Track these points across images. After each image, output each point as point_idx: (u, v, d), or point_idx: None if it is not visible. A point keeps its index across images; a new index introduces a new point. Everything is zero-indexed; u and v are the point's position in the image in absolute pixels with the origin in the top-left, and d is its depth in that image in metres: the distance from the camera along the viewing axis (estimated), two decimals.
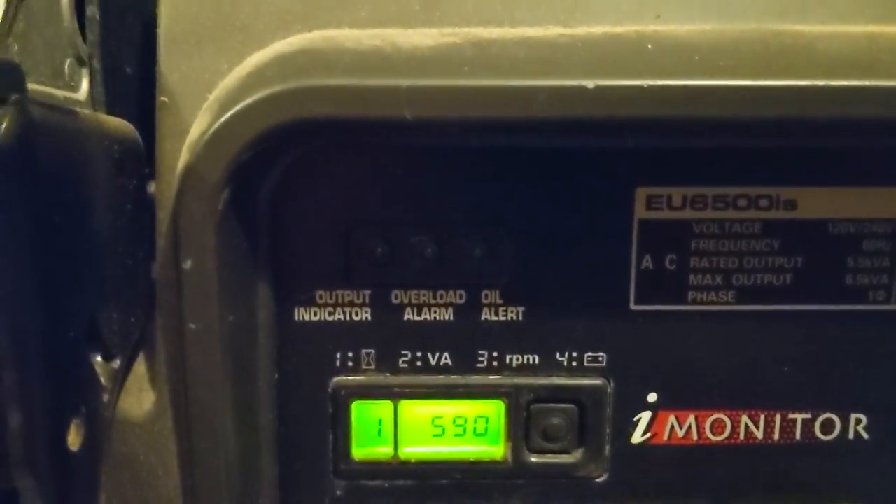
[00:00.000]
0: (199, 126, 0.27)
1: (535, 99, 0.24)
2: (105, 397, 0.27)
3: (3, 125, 0.21)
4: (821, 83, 0.25)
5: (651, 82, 0.25)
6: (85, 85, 0.32)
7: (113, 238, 0.28)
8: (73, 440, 0.25)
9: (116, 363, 0.28)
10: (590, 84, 0.25)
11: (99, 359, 0.27)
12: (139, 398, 0.30)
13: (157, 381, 0.30)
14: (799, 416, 0.33)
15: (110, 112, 0.32)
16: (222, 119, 0.25)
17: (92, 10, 0.32)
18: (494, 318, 0.32)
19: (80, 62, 0.32)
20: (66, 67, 0.31)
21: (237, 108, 0.25)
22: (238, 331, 0.29)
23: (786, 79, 0.25)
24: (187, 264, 0.26)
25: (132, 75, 0.34)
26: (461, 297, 0.32)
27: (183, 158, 0.27)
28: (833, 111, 0.26)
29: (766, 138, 0.28)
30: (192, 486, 0.29)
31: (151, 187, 0.31)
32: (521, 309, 0.32)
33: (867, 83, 0.26)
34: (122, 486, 0.29)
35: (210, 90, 0.29)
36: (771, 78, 0.25)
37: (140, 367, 0.31)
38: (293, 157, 0.29)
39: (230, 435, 0.29)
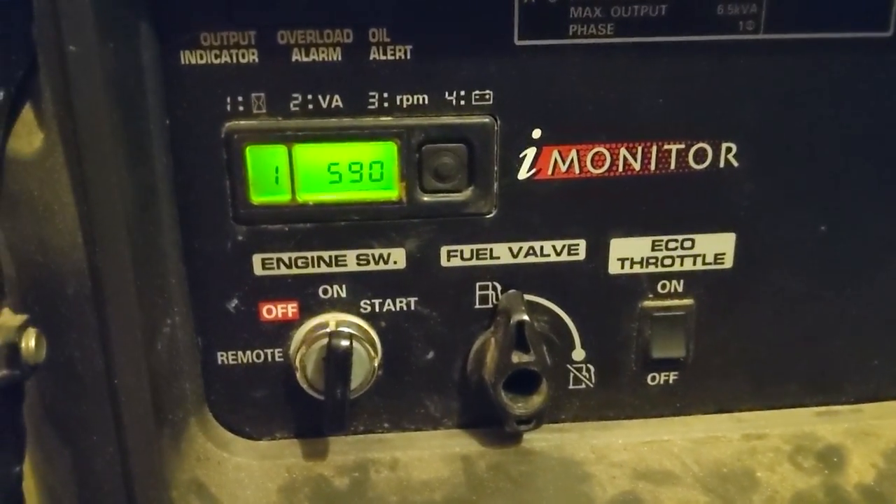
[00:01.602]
0: None
1: None
2: None
3: None
4: None
5: None
6: None
7: None
8: None
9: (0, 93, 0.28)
10: None
11: None
12: (28, 139, 0.30)
13: (45, 120, 0.30)
14: (674, 147, 0.35)
15: None
16: None
17: None
18: (383, 58, 0.33)
19: None
20: None
21: None
22: (121, 63, 0.29)
23: None
24: None
25: None
26: (348, 35, 0.32)
27: None
28: None
29: None
30: (88, 219, 0.29)
31: None
32: (408, 47, 0.33)
33: None
34: (19, 223, 0.30)
35: None
36: None
37: (27, 112, 0.31)
38: None
39: (122, 169, 0.30)
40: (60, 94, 0.28)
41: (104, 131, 0.29)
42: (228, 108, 0.33)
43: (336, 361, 0.34)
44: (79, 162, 0.29)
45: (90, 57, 0.27)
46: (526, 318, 0.35)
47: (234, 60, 0.32)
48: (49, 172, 0.30)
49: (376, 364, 0.36)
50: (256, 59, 0.32)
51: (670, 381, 0.39)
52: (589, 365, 0.38)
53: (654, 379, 0.39)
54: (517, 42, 0.33)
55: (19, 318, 0.28)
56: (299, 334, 0.36)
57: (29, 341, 0.27)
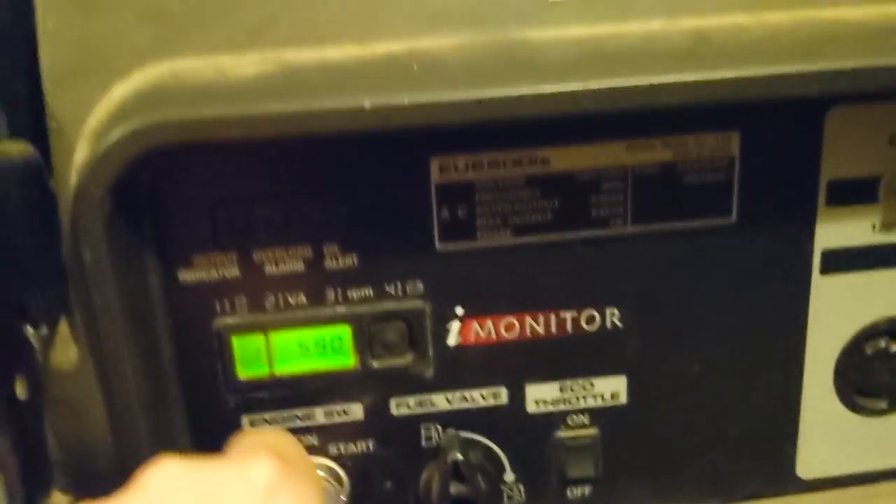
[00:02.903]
0: (82, 153, 0.35)
1: (327, 118, 0.34)
2: (38, 357, 0.37)
3: None
4: (533, 91, 0.35)
5: (410, 100, 0.34)
6: None
7: (27, 237, 0.37)
8: (20, 391, 0.35)
9: (44, 330, 0.38)
10: (367, 104, 0.34)
11: (29, 328, 0.36)
12: (66, 352, 0.39)
13: (79, 338, 0.39)
14: (568, 314, 0.45)
15: (10, 128, 0.40)
16: (97, 152, 0.34)
17: None
18: (336, 265, 0.42)
19: None
20: None
21: (108, 143, 0.34)
22: (134, 295, 0.39)
23: (504, 89, 0.35)
24: (87, 257, 0.36)
25: (25, 96, 0.41)
26: (308, 251, 0.42)
27: (73, 179, 0.36)
28: (551, 109, 0.36)
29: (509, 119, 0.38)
30: (113, 416, 0.39)
31: (52, 185, 0.40)
32: (355, 255, 0.42)
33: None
34: (60, 420, 0.39)
35: (87, 116, 0.37)
36: (501, 86, 0.35)
37: (64, 328, 0.40)
38: (160, 165, 0.38)
39: (139, 375, 0.39)
40: (90, 328, 0.38)
41: (121, 347, 0.38)
42: (217, 309, 0.42)
43: None
44: (104, 371, 0.39)
45: (111, 301, 0.37)
46: (460, 456, 0.44)
47: (221, 275, 0.42)
48: (84, 379, 0.39)
49: (344, 497, 0.45)
50: (238, 273, 0.42)
51: (586, 494, 0.48)
52: (518, 485, 0.47)
53: (572, 493, 0.48)
54: (438, 246, 0.43)
55: (66, 500, 0.37)
56: None
57: None
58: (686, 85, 0.36)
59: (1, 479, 0.33)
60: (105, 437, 0.39)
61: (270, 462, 0.33)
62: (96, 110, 0.37)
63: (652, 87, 0.35)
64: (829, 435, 0.48)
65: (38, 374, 0.37)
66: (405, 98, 0.34)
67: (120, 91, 0.36)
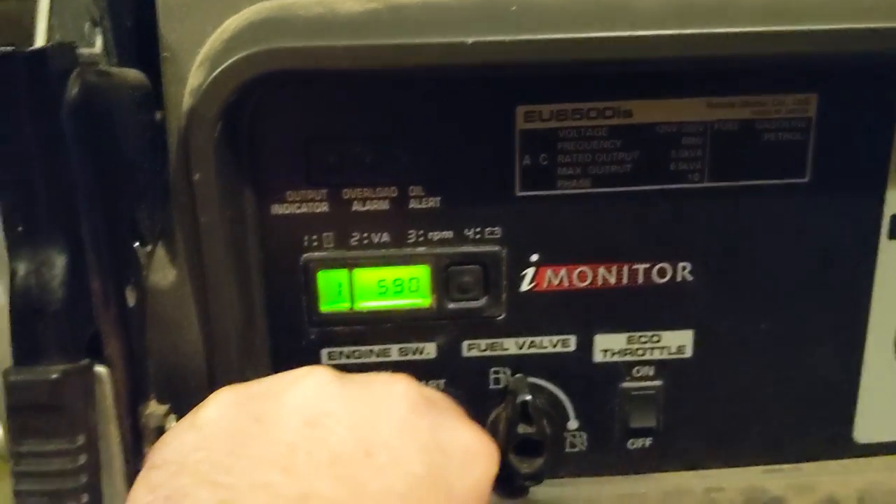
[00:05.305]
0: (196, 78, 0.38)
1: (431, 52, 0.36)
2: (144, 272, 0.39)
3: (74, 90, 0.32)
4: (629, 33, 0.36)
5: (509, 37, 0.36)
6: (99, 41, 0.42)
7: (140, 158, 0.39)
8: (130, 298, 0.37)
9: (149, 248, 0.40)
10: (469, 39, 0.36)
11: (138, 245, 0.38)
12: (164, 273, 0.42)
13: (177, 260, 0.41)
14: (641, 266, 0.46)
15: (119, 57, 0.42)
16: (213, 74, 0.36)
17: None
18: (419, 206, 0.44)
19: (94, 23, 0.42)
20: (86, 29, 0.41)
21: (224, 65, 0.36)
22: (232, 222, 0.41)
23: (599, 31, 0.36)
24: (196, 177, 0.38)
25: (132, 28, 0.44)
26: (394, 191, 0.44)
27: (186, 102, 0.38)
28: (644, 54, 0.37)
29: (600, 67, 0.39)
30: (208, 334, 0.41)
31: (158, 115, 0.42)
32: (438, 198, 0.44)
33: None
34: (158, 335, 0.41)
35: (200, 47, 0.39)
36: (599, 29, 0.37)
37: (161, 250, 0.42)
38: (264, 93, 0.40)
39: (234, 298, 0.41)
40: (192, 249, 0.40)
41: (221, 270, 0.41)
42: (305, 243, 0.44)
43: None
44: (203, 293, 0.41)
45: (215, 222, 0.39)
46: (529, 397, 0.46)
47: (311, 210, 0.44)
48: (180, 299, 0.41)
49: None
50: (326, 209, 0.44)
51: (646, 446, 0.49)
52: (581, 433, 0.49)
53: (632, 444, 0.49)
54: (518, 193, 0.44)
55: (164, 408, 0.39)
56: None
57: (170, 425, 0.39)
58: (775, 35, 0.37)
59: (110, 374, 0.35)
60: (197, 357, 0.41)
61: (411, 382, 0.37)
62: (210, 41, 0.39)
63: (745, 35, 0.36)
64: (888, 400, 0.49)
65: (142, 286, 0.39)
66: (506, 36, 0.36)
67: (233, 23, 0.39)
